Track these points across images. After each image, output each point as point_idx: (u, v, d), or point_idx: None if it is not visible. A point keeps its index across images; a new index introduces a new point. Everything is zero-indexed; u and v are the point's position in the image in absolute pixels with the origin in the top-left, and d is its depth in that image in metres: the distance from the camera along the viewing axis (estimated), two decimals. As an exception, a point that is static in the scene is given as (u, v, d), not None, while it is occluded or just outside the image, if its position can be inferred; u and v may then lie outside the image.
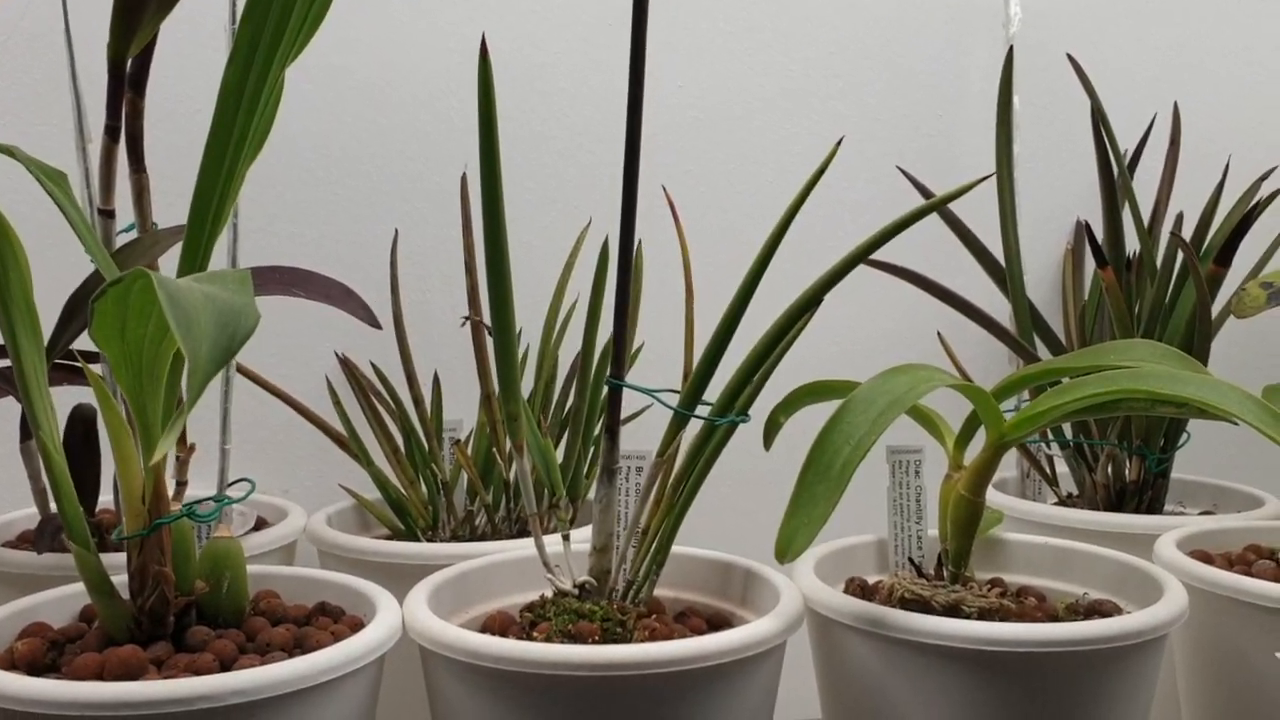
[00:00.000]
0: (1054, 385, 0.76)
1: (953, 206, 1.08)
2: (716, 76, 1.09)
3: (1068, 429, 1.03)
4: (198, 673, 0.61)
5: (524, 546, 0.81)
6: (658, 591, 0.80)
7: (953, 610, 0.72)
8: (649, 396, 0.75)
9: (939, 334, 1.08)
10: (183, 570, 0.67)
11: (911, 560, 0.82)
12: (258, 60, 0.64)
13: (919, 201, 1.02)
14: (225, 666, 0.63)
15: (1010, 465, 1.12)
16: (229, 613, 0.70)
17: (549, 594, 0.74)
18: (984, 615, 0.71)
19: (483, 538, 0.96)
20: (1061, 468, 1.08)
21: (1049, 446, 1.06)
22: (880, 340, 1.14)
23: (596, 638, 0.67)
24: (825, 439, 0.67)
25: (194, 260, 0.65)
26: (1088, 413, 0.69)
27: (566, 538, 0.75)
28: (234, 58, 0.63)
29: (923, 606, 0.73)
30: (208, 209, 0.64)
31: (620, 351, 0.72)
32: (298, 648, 0.67)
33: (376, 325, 0.81)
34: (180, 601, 0.67)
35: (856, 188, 1.10)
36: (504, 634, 0.72)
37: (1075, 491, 1.07)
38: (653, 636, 0.69)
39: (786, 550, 0.65)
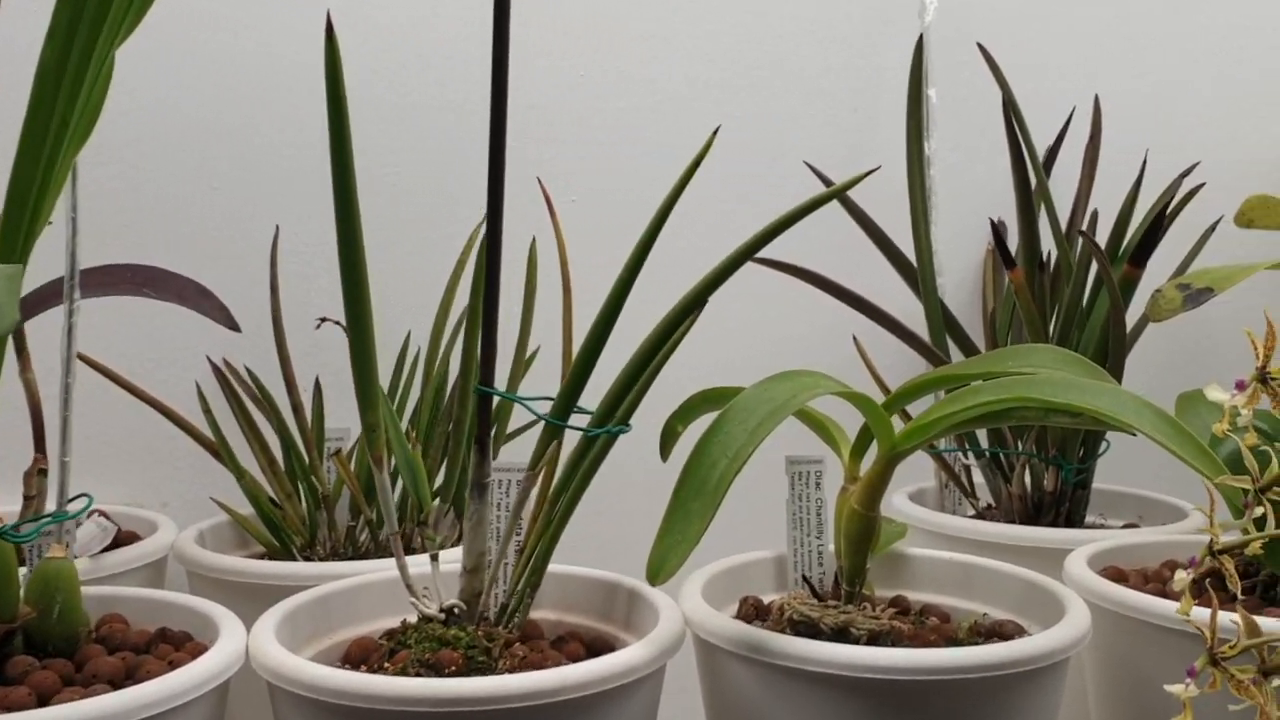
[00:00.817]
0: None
1: (872, 207, 1.05)
2: (621, 67, 1.05)
3: (983, 437, 1.00)
4: (9, 708, 0.56)
5: (388, 567, 0.77)
6: (539, 614, 0.76)
7: (841, 633, 0.68)
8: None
9: (854, 338, 1.04)
10: (3, 594, 0.63)
11: (805, 578, 0.78)
12: (79, 39, 0.59)
13: (847, 203, 0.99)
14: (43, 701, 0.59)
15: (930, 475, 1.09)
16: (60, 640, 0.65)
17: (415, 619, 0.69)
18: (874, 639, 0.68)
19: (365, 556, 0.91)
20: (981, 478, 1.05)
21: (966, 456, 1.03)
22: (796, 344, 1.11)
23: (457, 667, 0.63)
24: (702, 451, 0.63)
25: (10, 258, 0.60)
26: (980, 422, 0.66)
27: (435, 558, 0.71)
28: (52, 36, 0.59)
29: (812, 628, 0.69)
30: (25, 201, 0.60)
31: (488, 355, 0.68)
32: (129, 678, 0.62)
33: (234, 327, 0.76)
34: (1, 629, 0.62)
35: (768, 184, 1.07)
36: (364, 662, 0.68)
37: (994, 502, 1.04)
38: (521, 665, 0.65)
39: (658, 572, 0.62)
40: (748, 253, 0.66)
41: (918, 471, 1.08)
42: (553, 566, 0.76)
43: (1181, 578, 0.55)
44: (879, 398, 1.04)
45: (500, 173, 0.65)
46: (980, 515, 1.04)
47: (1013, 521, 0.99)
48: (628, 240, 1.06)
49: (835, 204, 1.01)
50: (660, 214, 0.65)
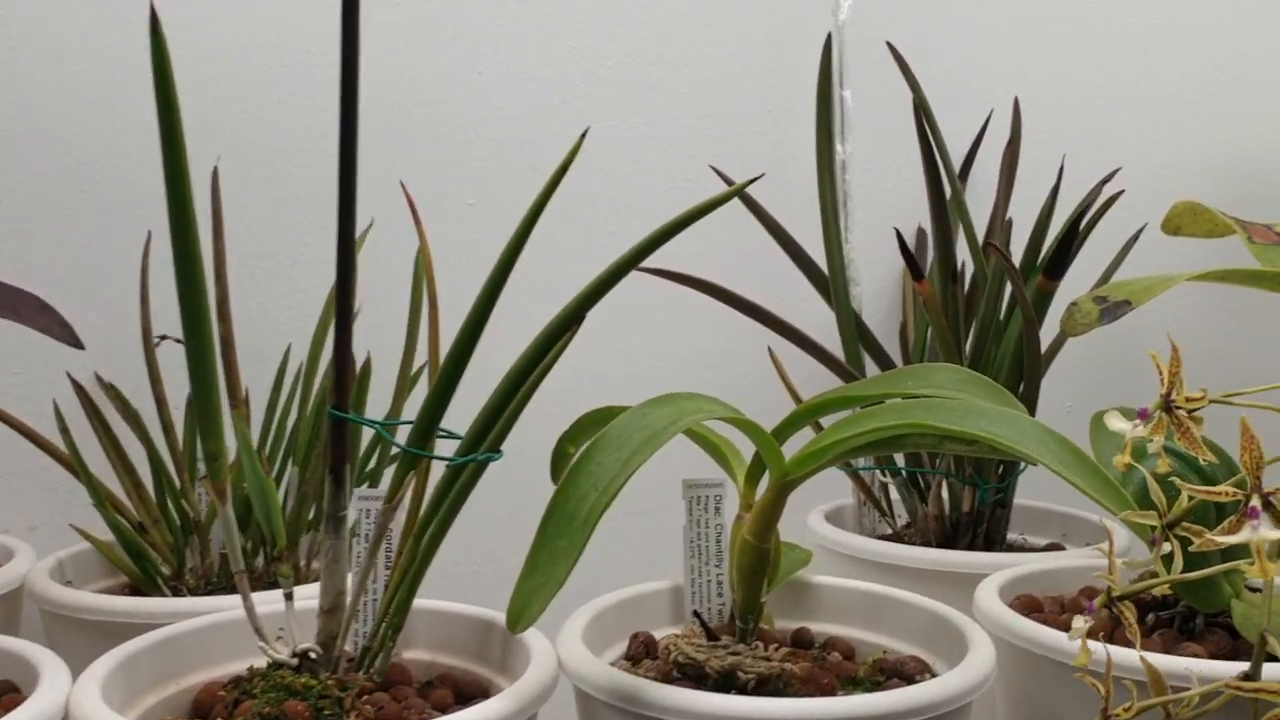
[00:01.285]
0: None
1: (793, 214, 1.01)
2: (520, 64, 1.00)
3: (900, 455, 0.96)
4: None
5: (265, 601, 0.71)
6: (412, 654, 0.71)
7: (729, 677, 0.63)
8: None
9: (769, 350, 1.00)
10: None
11: (697, 614, 0.73)
12: None
13: (753, 206, 0.95)
14: None
15: (849, 492, 1.05)
16: None
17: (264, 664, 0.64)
18: (763, 682, 0.63)
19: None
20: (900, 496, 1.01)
21: (883, 474, 0.99)
22: (714, 356, 1.06)
23: (303, 720, 0.58)
24: (570, 483, 0.58)
25: None
26: (873, 448, 0.61)
27: (289, 596, 0.66)
28: None
29: (698, 671, 0.65)
30: None
31: (343, 377, 0.62)
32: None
33: (77, 345, 0.70)
34: None
35: (677, 189, 1.02)
36: (209, 714, 0.63)
37: (912, 522, 1.00)
38: (376, 718, 0.60)
39: (519, 618, 0.57)
40: (626, 267, 0.61)
41: (840, 488, 1.04)
42: (427, 602, 0.72)
43: (1078, 627, 0.51)
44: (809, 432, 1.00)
45: (351, 172, 0.60)
46: (898, 535, 1.00)
47: (929, 543, 0.95)
48: (530, 246, 1.01)
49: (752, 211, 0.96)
50: (525, 224, 0.60)
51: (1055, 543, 1.01)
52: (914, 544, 0.98)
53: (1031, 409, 0.89)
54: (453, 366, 0.62)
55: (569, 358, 0.96)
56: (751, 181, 0.59)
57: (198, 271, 0.59)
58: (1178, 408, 0.52)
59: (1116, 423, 0.53)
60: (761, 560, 0.67)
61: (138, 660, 0.64)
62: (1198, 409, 0.51)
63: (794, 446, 0.69)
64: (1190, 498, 0.56)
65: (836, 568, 0.93)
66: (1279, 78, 0.97)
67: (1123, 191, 0.92)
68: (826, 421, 0.74)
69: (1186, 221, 1.03)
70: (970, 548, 0.95)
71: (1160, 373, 0.53)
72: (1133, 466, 0.55)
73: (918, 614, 0.74)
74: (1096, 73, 1.09)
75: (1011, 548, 1.00)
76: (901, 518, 1.02)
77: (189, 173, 0.57)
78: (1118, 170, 0.94)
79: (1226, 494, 0.45)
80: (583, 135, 0.58)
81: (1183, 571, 0.55)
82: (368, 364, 0.83)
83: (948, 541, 0.95)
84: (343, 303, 0.61)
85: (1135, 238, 0.96)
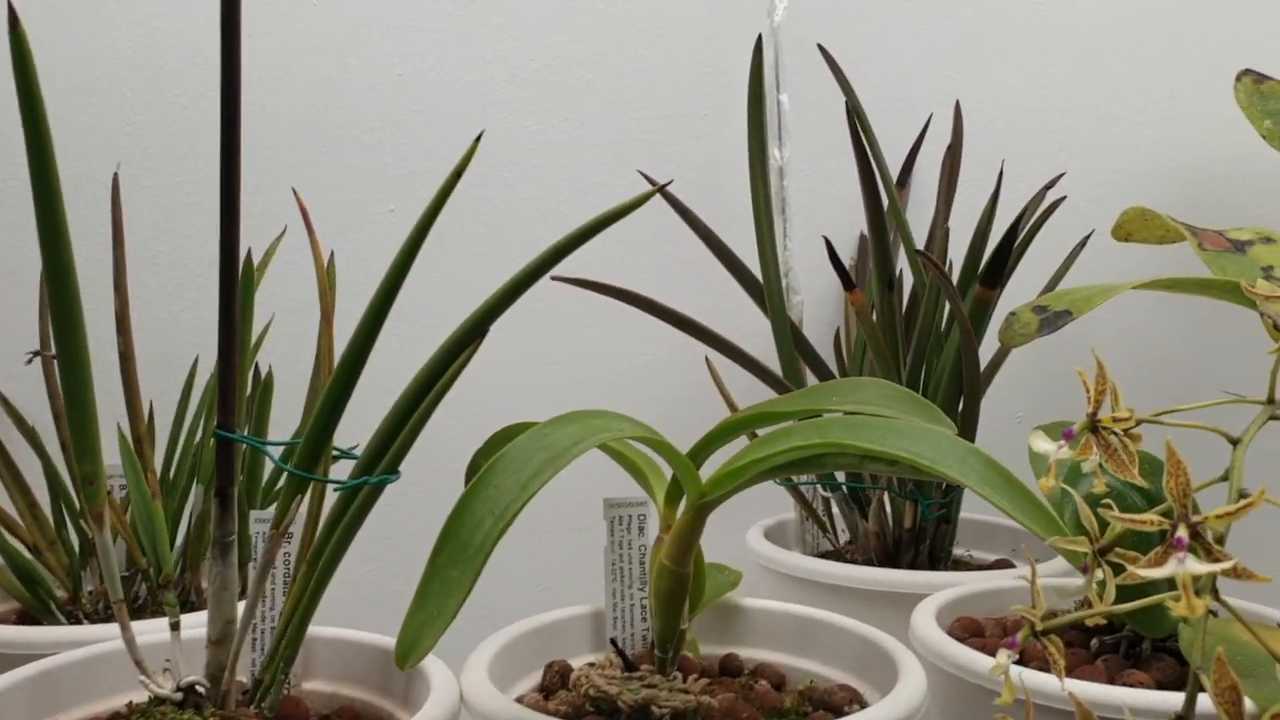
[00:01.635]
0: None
1: (735, 223, 0.98)
2: (443, 66, 0.96)
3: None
4: None
5: (152, 630, 0.67)
6: (312, 685, 0.67)
7: (642, 712, 0.60)
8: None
9: (706, 359, 0.96)
10: None
11: (614, 642, 0.70)
12: None
13: (682, 211, 0.91)
14: None
15: (792, 507, 1.01)
16: None
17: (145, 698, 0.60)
18: (678, 718, 0.59)
19: (140, 612, 0.81)
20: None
21: (824, 489, 0.96)
22: (652, 366, 1.02)
23: (179, 763, 0.54)
24: (465, 508, 0.54)
25: None
26: (792, 468, 0.58)
27: (175, 626, 0.62)
28: None
29: (611, 706, 0.61)
30: None
31: (226, 393, 0.58)
32: None
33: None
34: None
35: (610, 195, 0.99)
36: (84, 753, 0.59)
37: (852, 538, 0.97)
38: (259, 757, 0.56)
39: (409, 654, 0.53)
40: (532, 277, 0.58)
41: (783, 503, 1.01)
42: (329, 631, 0.68)
43: (1000, 663, 0.48)
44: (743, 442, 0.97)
45: (234, 176, 0.56)
46: (838, 552, 0.97)
47: (871, 560, 0.92)
48: (452, 255, 0.98)
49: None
50: (418, 231, 0.56)
51: (1004, 559, 0.98)
52: (855, 561, 0.95)
53: (973, 423, 0.86)
54: (343, 381, 0.58)
55: (499, 369, 0.93)
56: (664, 186, 0.55)
57: (70, 283, 0.55)
58: (1105, 428, 0.49)
59: (1041, 444, 0.49)
60: (680, 586, 0.63)
61: (7, 697, 0.60)
62: (1127, 429, 0.48)
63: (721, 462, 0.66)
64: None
65: (775, 587, 0.90)
66: (1225, 82, 0.95)
67: (1065, 198, 0.89)
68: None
69: (1137, 228, 1.01)
70: (913, 565, 0.92)
71: (1086, 390, 0.49)
72: (1068, 489, 0.52)
73: (849, 639, 0.71)
74: (1041, 76, 1.06)
75: (958, 564, 0.97)
76: (844, 533, 0.99)
77: (59, 180, 0.53)
78: (1061, 176, 0.91)
79: (1151, 523, 0.42)
80: (476, 140, 0.54)
81: (1124, 597, 0.52)
82: (269, 377, 0.79)
83: (890, 559, 0.92)
84: (226, 313, 0.58)
85: (1081, 245, 0.94)
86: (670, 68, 0.99)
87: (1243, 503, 0.40)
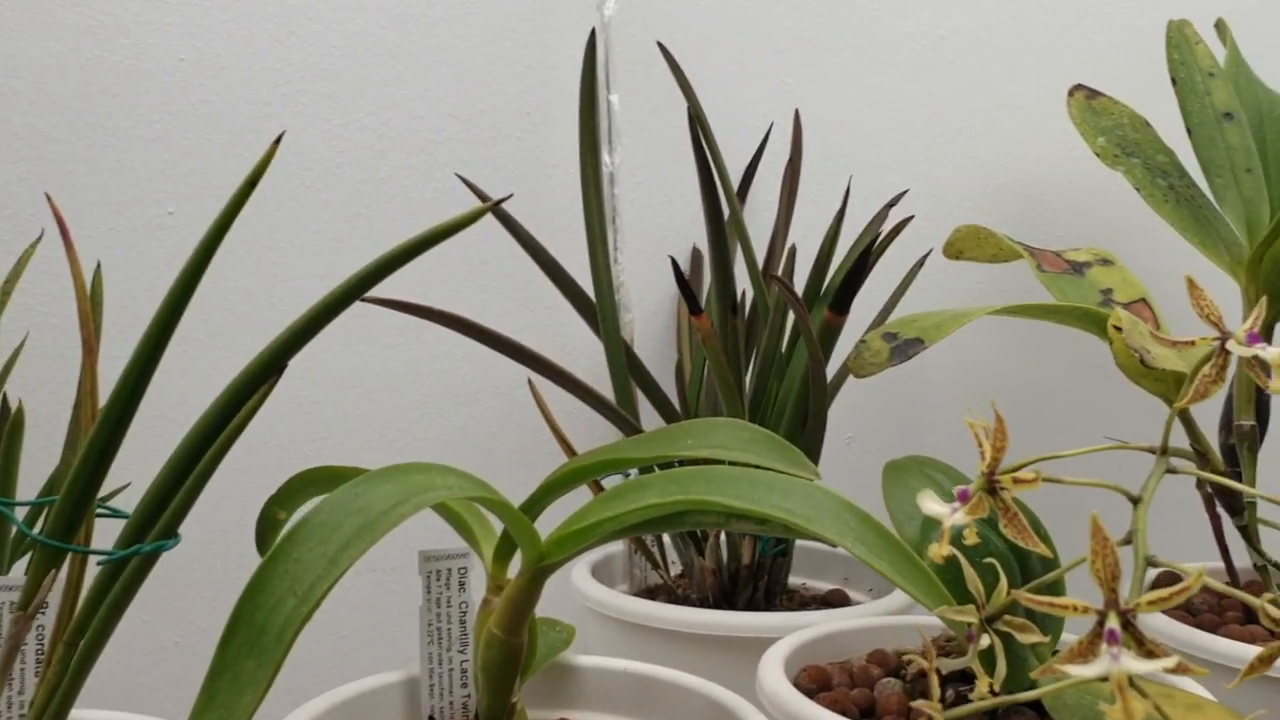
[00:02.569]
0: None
1: (562, 234, 0.91)
2: (231, 52, 0.85)
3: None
4: None
5: None
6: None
7: (469, 808, 0.52)
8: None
9: (530, 383, 0.89)
10: None
11: (432, 717, 0.62)
12: None
13: (506, 220, 0.83)
14: None
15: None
16: None
17: None
18: (511, 813, 0.52)
19: None
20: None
21: (655, 521, 0.90)
22: (465, 390, 0.94)
23: None
24: (261, 585, 0.46)
25: None
26: (647, 528, 0.51)
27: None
28: None
29: (432, 800, 0.53)
30: None
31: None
32: None
33: None
34: None
35: (421, 200, 0.90)
36: None
37: (686, 573, 0.91)
38: None
39: (190, 765, 0.44)
40: (340, 303, 0.49)
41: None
42: (97, 715, 0.58)
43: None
44: (560, 459, 0.90)
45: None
46: (670, 589, 0.91)
47: (705, 597, 0.87)
48: (240, 266, 0.87)
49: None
50: (205, 246, 0.47)
51: (838, 588, 0.95)
52: (689, 598, 0.89)
53: (817, 451, 0.82)
54: (110, 429, 0.48)
55: (294, 394, 0.83)
56: (503, 200, 0.48)
57: None
58: (1003, 488, 0.44)
59: (932, 505, 0.44)
60: (512, 657, 0.56)
61: None
62: (1026, 489, 0.43)
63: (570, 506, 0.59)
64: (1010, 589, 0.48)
65: (604, 633, 0.84)
66: (1059, 96, 0.93)
67: (913, 217, 0.86)
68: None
69: (969, 245, 0.98)
70: (750, 602, 0.87)
71: (980, 446, 0.45)
72: (955, 552, 0.47)
73: (693, 700, 0.65)
74: (877, 85, 1.03)
75: (793, 596, 0.93)
76: (675, 565, 0.93)
77: None
78: (904, 193, 0.88)
79: (1074, 607, 0.37)
80: (276, 141, 0.46)
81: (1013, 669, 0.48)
82: (19, 412, 0.67)
83: (725, 595, 0.87)
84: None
85: (920, 264, 0.91)
86: (489, 61, 0.91)
87: (1179, 587, 0.36)
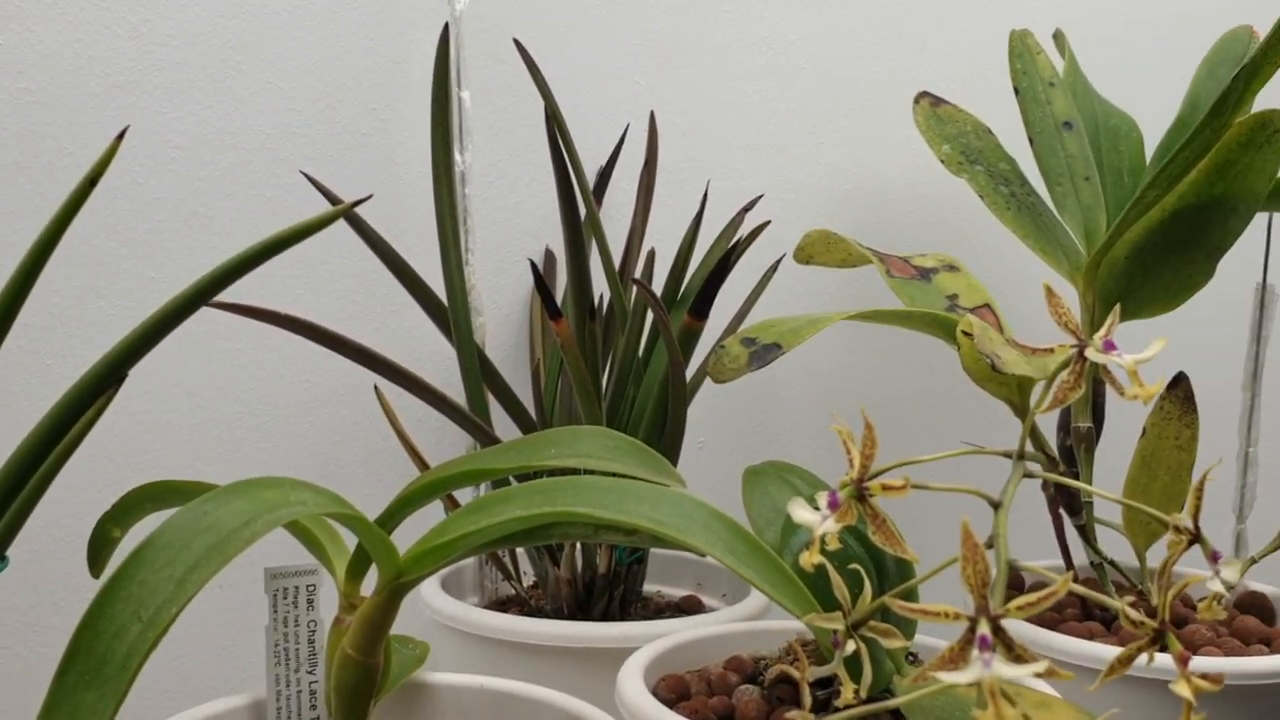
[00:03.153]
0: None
1: (410, 237, 0.89)
2: (58, 35, 0.81)
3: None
4: None
5: None
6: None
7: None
8: None
9: (376, 389, 0.87)
10: None
11: (284, 744, 0.60)
12: None
13: (354, 221, 0.81)
14: None
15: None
16: None
17: None
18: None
19: None
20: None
21: (508, 530, 0.89)
22: (309, 396, 0.91)
23: None
24: (102, 610, 0.43)
25: None
26: (512, 541, 0.51)
27: None
28: None
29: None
30: None
31: None
32: None
33: None
34: None
35: (262, 198, 0.87)
36: None
37: (540, 583, 0.91)
38: None
39: (21, 808, 0.41)
40: (183, 310, 0.47)
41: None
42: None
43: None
44: (409, 468, 0.88)
45: None
46: (524, 600, 0.90)
47: (560, 608, 0.86)
48: (73, 269, 0.83)
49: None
50: (36, 254, 0.44)
51: (691, 594, 0.96)
52: (543, 608, 0.89)
53: (676, 454, 0.82)
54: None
55: (127, 403, 0.80)
56: (360, 202, 0.46)
57: None
58: (871, 495, 0.45)
59: (802, 513, 0.45)
60: (367, 678, 0.55)
61: None
62: (896, 496, 0.44)
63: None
64: (874, 594, 0.49)
65: (457, 649, 0.82)
66: (907, 103, 0.96)
67: (770, 222, 0.87)
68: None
69: (819, 250, 1.01)
70: (606, 612, 0.87)
71: (849, 453, 0.45)
72: (824, 561, 0.48)
73: (550, 713, 0.65)
74: (730, 89, 1.04)
75: (648, 603, 0.93)
76: (529, 575, 0.93)
77: None
78: (760, 198, 0.89)
79: (946, 614, 0.38)
80: (119, 138, 0.43)
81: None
82: None
83: (580, 605, 0.86)
84: None
85: (774, 268, 0.92)
86: (335, 54, 0.88)
87: (1047, 592, 0.37)
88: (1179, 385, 0.91)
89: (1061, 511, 0.91)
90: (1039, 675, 0.35)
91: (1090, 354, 0.45)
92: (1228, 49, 0.97)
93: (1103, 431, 0.93)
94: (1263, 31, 0.95)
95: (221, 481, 0.86)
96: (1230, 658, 0.78)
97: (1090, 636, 0.84)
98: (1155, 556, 0.94)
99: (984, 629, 0.36)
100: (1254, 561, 0.87)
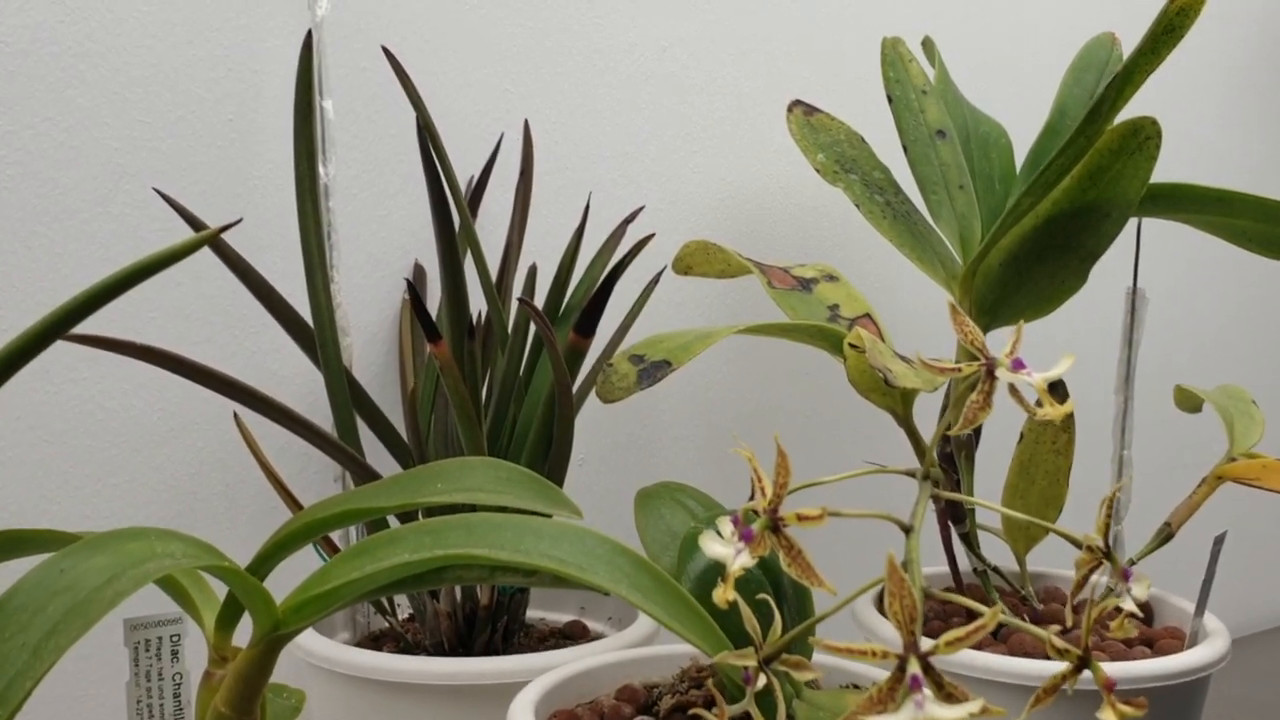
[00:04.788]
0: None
1: (275, 254, 0.85)
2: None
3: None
4: None
5: None
6: None
7: None
8: None
9: (236, 417, 0.83)
10: None
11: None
12: None
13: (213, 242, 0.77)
14: None
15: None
16: None
17: None
18: None
19: None
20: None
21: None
22: (164, 426, 0.86)
23: None
24: (-57, 688, 0.39)
25: None
26: (402, 587, 0.48)
27: None
28: None
29: None
30: None
31: None
32: None
33: None
34: None
35: (112, 217, 0.82)
36: None
37: (418, 617, 0.87)
38: None
39: None
40: (30, 349, 0.43)
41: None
42: None
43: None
44: (273, 500, 0.84)
45: None
46: (399, 635, 0.87)
47: (440, 643, 0.83)
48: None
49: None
50: None
51: (576, 619, 0.93)
52: (421, 643, 0.85)
53: (562, 476, 0.80)
54: None
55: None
56: (227, 228, 0.43)
57: None
58: (784, 524, 0.43)
59: (715, 547, 0.43)
60: (243, 738, 0.51)
61: None
62: (812, 525, 0.43)
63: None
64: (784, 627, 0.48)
65: (330, 692, 0.79)
66: (781, 108, 0.95)
67: (654, 235, 0.85)
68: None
69: (698, 261, 0.99)
70: (488, 645, 0.84)
71: (759, 482, 0.44)
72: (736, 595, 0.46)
73: (444, 760, 0.62)
74: (604, 96, 1.02)
75: (530, 631, 0.91)
76: (403, 606, 0.89)
77: None
78: (641, 209, 0.87)
79: (874, 652, 0.36)
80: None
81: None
82: None
83: (461, 639, 0.83)
84: None
85: (655, 280, 0.91)
86: (188, 63, 0.83)
87: (975, 626, 0.36)
88: (1055, 390, 0.92)
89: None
90: (975, 715, 0.34)
91: (1000, 374, 0.44)
92: (1092, 55, 0.99)
93: (981, 437, 0.94)
94: (1124, 38, 0.97)
95: (74, 525, 0.81)
96: (1144, 662, 0.79)
97: (979, 645, 0.85)
98: (1035, 560, 0.96)
99: (914, 668, 0.35)
100: (1133, 563, 0.89)
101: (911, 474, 0.52)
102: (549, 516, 0.51)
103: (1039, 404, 0.48)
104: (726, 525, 0.47)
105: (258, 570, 0.50)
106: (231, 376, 0.71)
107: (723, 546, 0.43)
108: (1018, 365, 0.44)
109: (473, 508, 0.51)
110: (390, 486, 0.53)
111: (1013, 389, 0.46)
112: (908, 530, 0.46)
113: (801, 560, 0.43)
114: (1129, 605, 0.47)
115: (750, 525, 0.43)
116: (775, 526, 0.43)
